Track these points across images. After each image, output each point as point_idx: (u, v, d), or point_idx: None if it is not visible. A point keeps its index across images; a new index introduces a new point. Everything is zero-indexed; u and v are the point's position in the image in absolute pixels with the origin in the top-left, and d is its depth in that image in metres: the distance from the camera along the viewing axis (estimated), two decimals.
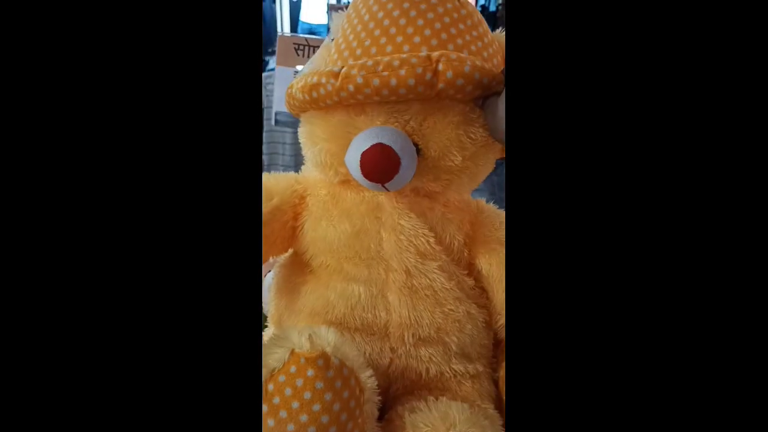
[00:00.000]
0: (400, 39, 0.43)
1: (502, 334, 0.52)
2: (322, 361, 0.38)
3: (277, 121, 0.85)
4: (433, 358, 0.49)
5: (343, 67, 0.42)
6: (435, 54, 0.41)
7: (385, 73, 0.40)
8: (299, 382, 0.37)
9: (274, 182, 0.52)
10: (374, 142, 0.43)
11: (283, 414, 0.37)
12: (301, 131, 0.51)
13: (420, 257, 0.49)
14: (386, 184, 0.45)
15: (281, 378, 0.37)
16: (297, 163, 0.57)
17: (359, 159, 0.43)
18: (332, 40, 0.49)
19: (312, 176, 0.53)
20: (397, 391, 0.50)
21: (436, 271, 0.49)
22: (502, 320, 0.51)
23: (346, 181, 0.49)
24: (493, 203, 0.57)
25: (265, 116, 1.15)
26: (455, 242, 0.51)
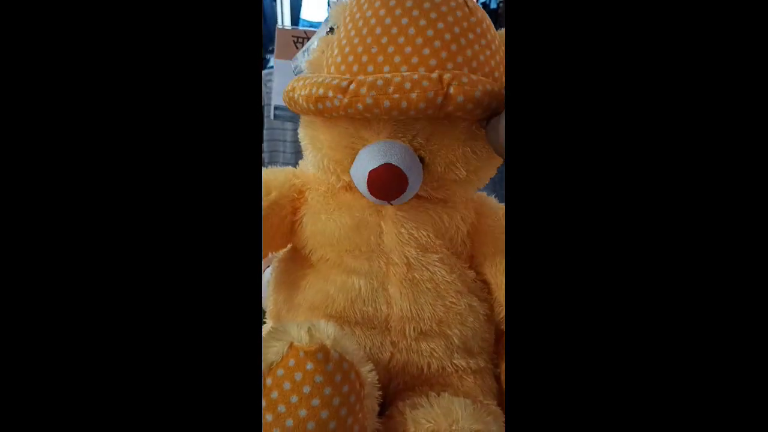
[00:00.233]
0: (408, 50, 0.41)
1: (504, 326, 0.52)
2: (322, 355, 0.37)
3: (276, 116, 0.84)
4: (435, 353, 0.48)
5: (351, 82, 0.41)
6: (447, 77, 0.39)
7: (396, 96, 0.39)
8: (298, 376, 0.36)
9: (272, 177, 0.51)
10: (382, 161, 0.42)
11: (281, 409, 0.36)
12: (303, 133, 0.50)
13: (421, 250, 0.48)
14: (391, 201, 0.45)
15: (279, 372, 0.36)
16: (298, 160, 0.56)
17: (366, 177, 0.43)
18: (330, 29, 0.48)
19: (311, 172, 0.52)
20: (398, 386, 0.49)
21: (437, 263, 0.49)
22: (504, 312, 0.50)
23: (348, 186, 0.49)
24: (494, 197, 0.56)
25: (264, 113, 1.14)
26: (459, 234, 0.51)
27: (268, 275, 0.57)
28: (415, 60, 0.41)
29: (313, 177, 0.52)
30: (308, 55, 0.50)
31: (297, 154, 0.54)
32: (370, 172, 0.42)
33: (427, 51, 0.41)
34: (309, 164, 0.51)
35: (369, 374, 0.41)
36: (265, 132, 1.24)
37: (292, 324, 0.39)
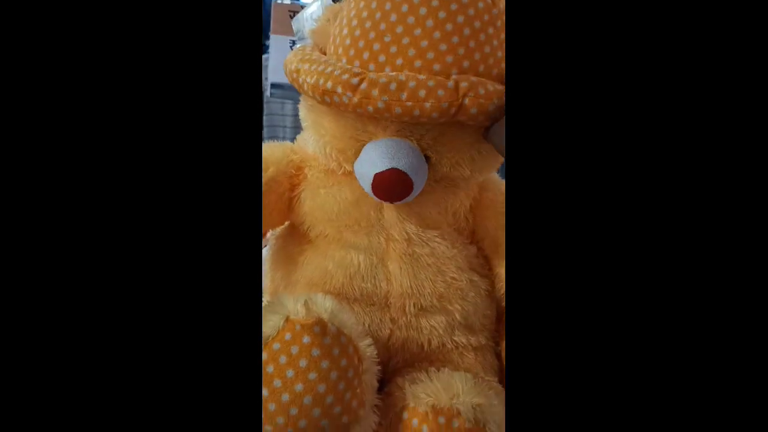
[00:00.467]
0: (424, 44, 0.38)
1: (505, 303, 0.51)
2: (319, 328, 0.36)
3: (272, 94, 0.82)
4: (435, 329, 0.48)
5: (362, 80, 0.38)
6: (463, 86, 0.37)
7: (409, 104, 0.37)
8: (294, 349, 0.35)
9: (269, 152, 0.50)
10: (389, 165, 0.40)
11: (277, 383, 0.35)
12: (305, 115, 0.48)
13: (422, 226, 0.47)
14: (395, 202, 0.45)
15: (276, 346, 0.36)
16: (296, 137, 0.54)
17: (372, 179, 0.41)
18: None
19: (311, 151, 0.51)
20: (398, 363, 0.48)
21: (437, 239, 0.48)
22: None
23: (350, 173, 0.47)
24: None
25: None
26: (462, 209, 0.50)
27: (265, 253, 0.56)
28: (430, 55, 0.38)
29: (312, 155, 0.51)
30: (312, 22, 0.48)
31: (296, 130, 0.52)
32: (376, 175, 0.41)
33: (444, 47, 0.38)
34: (309, 145, 0.49)
35: (367, 349, 0.40)
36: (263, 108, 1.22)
37: (289, 297, 0.38)
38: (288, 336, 0.36)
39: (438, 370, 0.43)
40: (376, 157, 0.41)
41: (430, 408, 0.39)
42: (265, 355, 0.35)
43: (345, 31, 0.41)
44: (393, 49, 0.39)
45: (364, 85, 0.38)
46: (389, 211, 0.46)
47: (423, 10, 0.38)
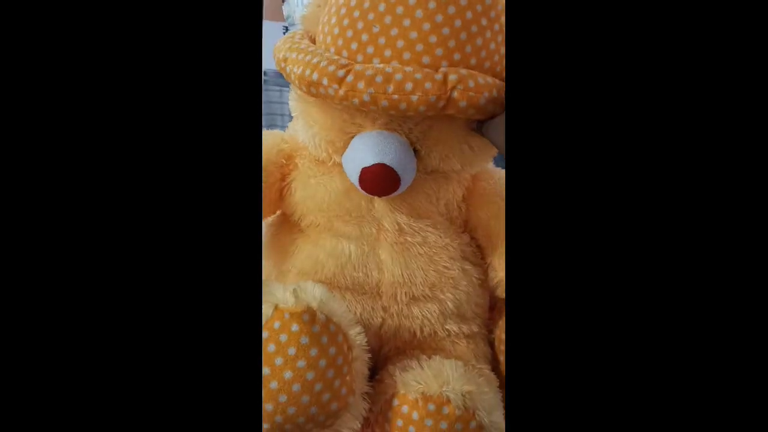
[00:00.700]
0: (414, 35, 0.37)
1: (498, 291, 0.51)
2: (308, 316, 0.36)
3: (264, 81, 0.81)
4: (427, 318, 0.48)
5: (348, 72, 0.37)
6: (452, 78, 0.36)
7: (396, 97, 0.36)
8: (283, 337, 0.35)
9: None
10: (376, 160, 0.40)
11: (266, 371, 0.35)
12: (294, 105, 0.48)
13: (413, 216, 0.47)
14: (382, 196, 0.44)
15: (264, 334, 0.36)
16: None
17: (359, 173, 0.41)
18: None
19: (300, 138, 0.50)
20: (389, 351, 0.48)
21: (429, 228, 0.48)
22: (500, 275, 0.49)
23: (340, 163, 0.47)
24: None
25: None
26: (455, 199, 0.49)
27: None
28: (419, 47, 0.37)
29: (303, 144, 0.50)
30: (303, 7, 0.47)
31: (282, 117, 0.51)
32: (363, 169, 0.41)
33: (434, 38, 0.37)
34: (299, 134, 0.49)
35: (357, 337, 0.40)
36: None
37: (278, 286, 0.38)
38: (277, 324, 0.36)
39: (429, 358, 0.43)
40: (363, 151, 0.41)
41: (420, 395, 0.39)
42: None
43: (333, 20, 0.40)
44: (381, 40, 0.38)
45: (350, 77, 0.37)
46: (380, 201, 0.46)
47: (412, 0, 0.37)
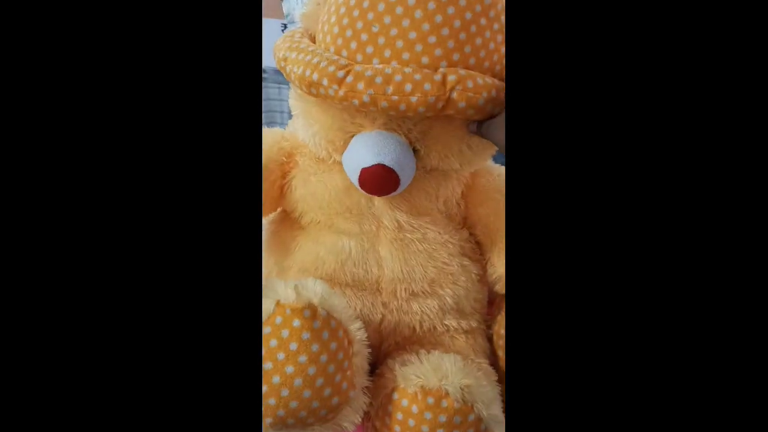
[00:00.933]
0: (413, 35, 0.37)
1: (497, 287, 0.51)
2: (309, 312, 0.36)
3: (265, 79, 0.81)
4: (427, 313, 0.48)
5: (348, 72, 0.37)
6: (451, 79, 0.36)
7: (395, 98, 0.36)
8: (285, 333, 0.36)
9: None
10: (376, 161, 0.40)
11: (268, 366, 0.36)
12: (295, 104, 0.48)
13: (412, 213, 0.47)
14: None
15: (266, 329, 0.36)
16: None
17: (358, 173, 0.41)
18: None
19: (301, 136, 0.50)
20: (389, 347, 0.49)
21: (428, 225, 0.48)
22: (499, 271, 0.50)
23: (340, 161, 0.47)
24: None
25: None
26: (454, 196, 0.50)
27: None
28: (419, 47, 0.37)
29: (303, 141, 0.51)
30: (302, 5, 0.47)
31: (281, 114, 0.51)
32: (363, 170, 0.41)
33: (433, 39, 0.37)
34: (300, 132, 0.49)
35: (358, 332, 0.40)
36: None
37: (279, 282, 0.38)
38: (278, 320, 0.36)
39: (429, 353, 0.44)
40: (362, 152, 0.41)
41: (419, 389, 0.39)
42: None
43: (333, 19, 0.40)
44: (381, 40, 0.38)
45: (349, 78, 0.37)
46: (380, 199, 0.47)
47: (412, 0, 0.37)
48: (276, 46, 0.44)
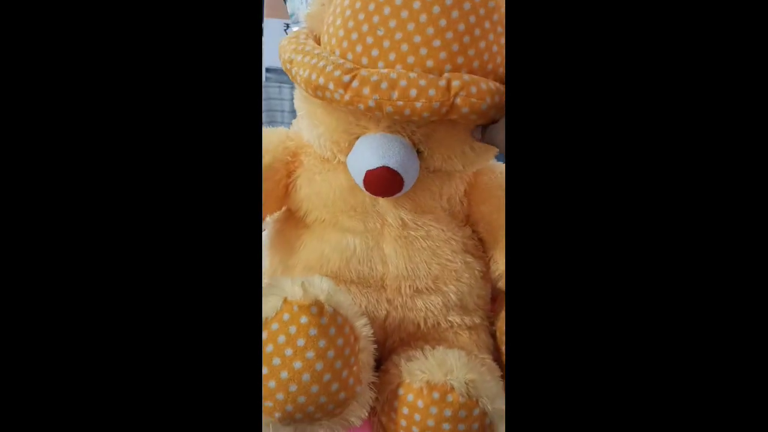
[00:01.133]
0: (418, 39, 0.37)
1: (500, 283, 0.52)
2: (316, 309, 0.37)
3: (267, 78, 0.81)
4: (431, 310, 0.49)
5: (354, 77, 0.38)
6: (455, 84, 0.37)
7: (400, 103, 0.37)
8: (292, 329, 0.36)
9: (266, 139, 0.50)
10: (381, 163, 0.41)
11: (276, 362, 0.36)
12: (300, 105, 0.48)
13: (416, 212, 0.48)
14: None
15: (274, 326, 0.37)
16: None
17: (363, 176, 0.42)
18: None
19: (305, 136, 0.51)
20: (394, 343, 0.50)
21: (432, 223, 0.49)
22: (501, 267, 0.50)
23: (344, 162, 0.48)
24: None
25: None
26: (457, 194, 0.50)
27: (264, 237, 0.57)
28: (423, 51, 0.38)
29: (308, 141, 0.51)
30: (306, 5, 0.47)
31: (294, 114, 0.52)
32: (368, 172, 0.42)
33: (437, 43, 0.38)
34: (304, 132, 0.49)
35: (363, 328, 0.41)
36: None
37: (286, 279, 0.39)
38: (286, 317, 0.37)
39: (433, 349, 0.44)
40: (367, 154, 0.42)
41: (424, 384, 0.40)
42: (264, 335, 0.37)
43: (338, 21, 0.41)
44: (386, 44, 0.38)
45: (355, 83, 0.37)
46: (384, 198, 0.47)
47: (417, 4, 0.37)
48: (281, 46, 0.44)
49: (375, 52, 0.39)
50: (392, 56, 0.38)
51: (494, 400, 0.40)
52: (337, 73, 0.38)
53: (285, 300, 0.37)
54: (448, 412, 0.39)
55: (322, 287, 0.38)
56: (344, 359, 0.38)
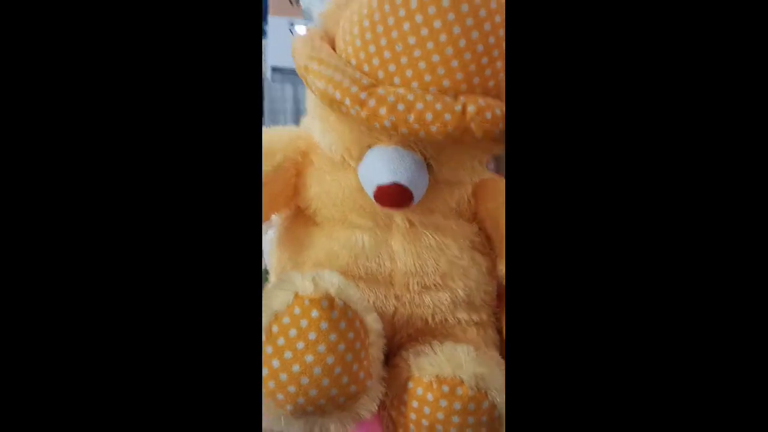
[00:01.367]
0: (436, 59, 0.38)
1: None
2: (326, 303, 0.37)
3: (272, 78, 0.82)
4: (438, 306, 0.49)
5: (371, 95, 0.38)
6: (471, 110, 0.37)
7: (416, 126, 0.37)
8: (303, 323, 0.37)
9: (276, 138, 0.50)
10: (392, 179, 0.41)
11: (287, 355, 0.37)
12: (312, 107, 0.48)
13: (425, 213, 0.48)
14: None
15: (285, 320, 0.37)
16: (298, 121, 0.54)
17: (374, 189, 0.43)
18: None
19: (316, 137, 0.50)
20: (402, 339, 0.50)
21: (439, 220, 0.49)
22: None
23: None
24: None
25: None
26: (466, 194, 0.51)
27: (272, 236, 0.57)
28: (441, 71, 0.38)
29: (318, 141, 0.51)
30: (321, 2, 0.47)
31: (296, 114, 0.52)
32: (379, 187, 0.42)
33: (455, 63, 0.38)
34: (315, 133, 0.49)
35: (374, 323, 0.41)
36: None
37: (296, 274, 0.39)
38: (297, 311, 0.37)
39: (441, 344, 0.44)
40: (379, 168, 0.42)
41: (434, 377, 0.40)
42: (275, 329, 0.37)
43: (356, 30, 0.40)
44: (404, 60, 0.38)
45: (372, 102, 0.38)
46: None
47: (438, 23, 0.37)
48: (295, 49, 0.44)
49: (392, 68, 0.39)
50: (409, 73, 0.38)
51: (503, 393, 0.41)
52: (354, 89, 0.38)
53: (296, 294, 0.38)
54: (457, 405, 0.39)
55: (332, 281, 0.39)
56: (355, 353, 0.39)
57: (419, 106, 0.37)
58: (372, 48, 0.39)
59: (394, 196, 0.42)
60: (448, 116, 0.37)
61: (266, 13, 0.82)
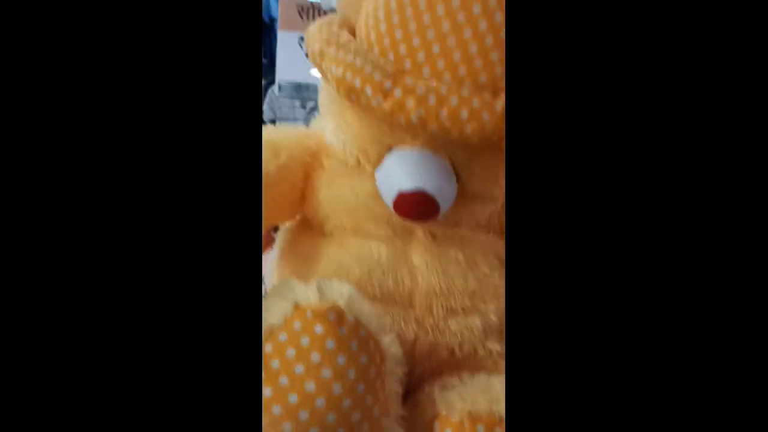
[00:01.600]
0: (474, 49, 0.33)
1: None
2: (334, 315, 0.30)
3: (281, 92, 0.78)
4: (467, 333, 0.42)
5: (396, 83, 0.33)
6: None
7: (448, 123, 0.33)
8: (305, 341, 0.30)
9: (282, 136, 0.45)
10: (417, 185, 0.36)
11: (283, 381, 0.29)
12: (325, 102, 0.44)
13: (449, 225, 0.43)
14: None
15: (282, 337, 0.30)
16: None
17: (395, 197, 0.38)
18: None
19: (328, 137, 0.45)
20: (423, 373, 0.42)
21: (466, 232, 0.43)
22: None
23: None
24: None
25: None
26: (496, 207, 0.45)
27: (271, 255, 0.51)
28: (478, 63, 0.33)
29: (330, 144, 0.45)
30: None
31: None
32: (401, 194, 0.37)
33: (495, 55, 0.33)
34: (327, 133, 0.44)
35: (391, 346, 0.34)
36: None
37: (298, 281, 0.33)
38: (297, 325, 0.30)
39: (472, 375, 0.37)
40: (402, 172, 0.37)
41: (466, 415, 0.33)
42: (268, 348, 0.30)
43: (381, 14, 0.36)
44: (436, 48, 0.33)
45: (398, 92, 0.33)
46: None
47: (477, 8, 0.33)
48: (310, 35, 0.39)
49: (421, 56, 0.34)
50: (441, 64, 0.33)
51: None
52: (377, 76, 0.33)
53: (296, 305, 0.31)
54: None
55: (342, 291, 0.32)
56: (368, 382, 0.31)
57: (453, 100, 0.32)
58: (399, 33, 0.34)
59: (417, 204, 0.37)
60: (486, 115, 0.32)
61: (276, 28, 0.80)
